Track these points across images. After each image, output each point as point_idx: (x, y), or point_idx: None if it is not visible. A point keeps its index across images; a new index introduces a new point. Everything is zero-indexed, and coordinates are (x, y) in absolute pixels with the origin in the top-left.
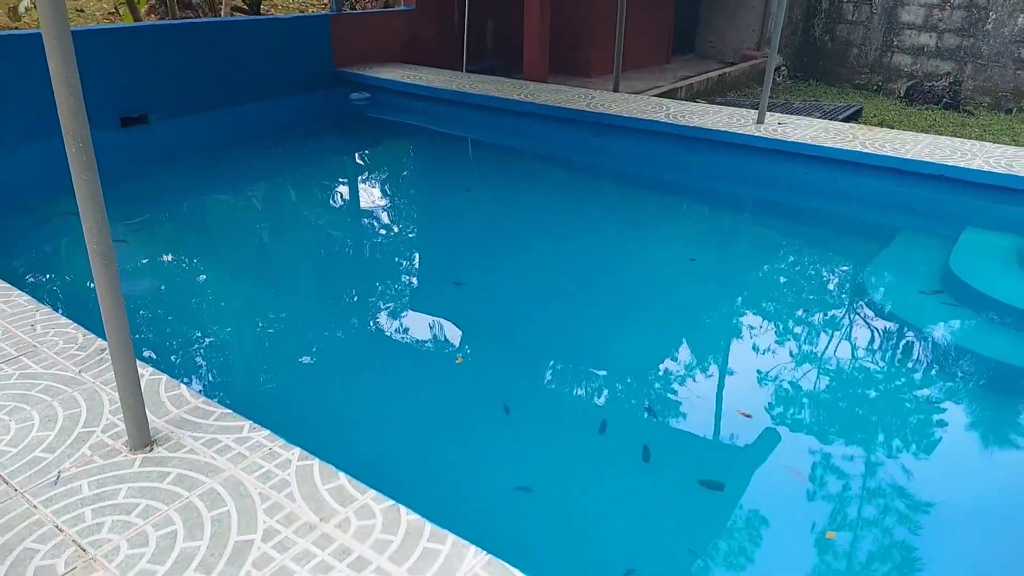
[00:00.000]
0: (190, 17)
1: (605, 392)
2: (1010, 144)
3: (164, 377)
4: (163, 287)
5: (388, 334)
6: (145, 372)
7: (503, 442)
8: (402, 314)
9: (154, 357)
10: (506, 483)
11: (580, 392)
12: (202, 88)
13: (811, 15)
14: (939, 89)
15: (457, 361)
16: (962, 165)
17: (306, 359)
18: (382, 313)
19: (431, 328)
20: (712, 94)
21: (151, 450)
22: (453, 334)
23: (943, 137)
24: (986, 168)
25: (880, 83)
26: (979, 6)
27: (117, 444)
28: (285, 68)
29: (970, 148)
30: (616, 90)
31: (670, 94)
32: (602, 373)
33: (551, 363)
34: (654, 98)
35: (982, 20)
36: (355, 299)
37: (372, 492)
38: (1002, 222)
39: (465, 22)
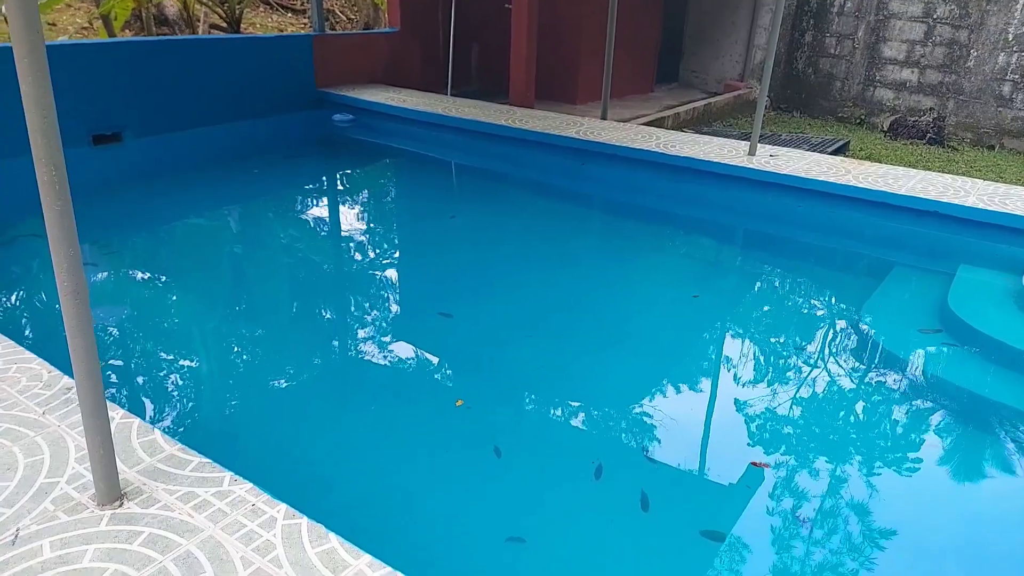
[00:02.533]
0: (167, 34)
1: (600, 434)
2: (998, 181)
3: (136, 421)
4: (134, 318)
5: (375, 372)
6: (116, 414)
7: (494, 488)
8: (389, 349)
9: (125, 397)
10: (498, 533)
11: (574, 434)
12: (179, 107)
13: (794, 48)
14: (923, 124)
15: (457, 404)
16: (956, 202)
17: (288, 400)
18: (369, 349)
19: (419, 364)
20: (698, 123)
21: (121, 505)
22: (443, 370)
23: (933, 173)
24: (980, 205)
25: (863, 116)
26: (960, 43)
27: (83, 498)
28: (266, 88)
29: (962, 185)
30: (604, 118)
31: (657, 123)
32: (596, 413)
33: (543, 401)
34: (643, 127)
35: (963, 57)
36: (341, 333)
37: (367, 557)
38: (997, 260)
39: (450, 45)
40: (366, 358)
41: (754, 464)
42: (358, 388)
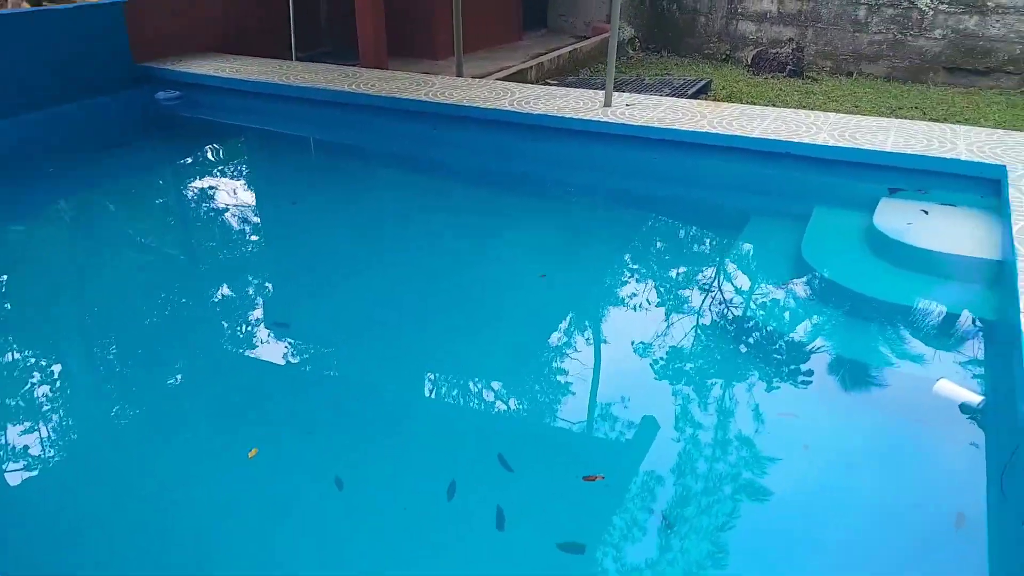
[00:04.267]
0: None
1: (454, 446)
2: (853, 112)
3: None
4: None
5: (196, 401)
6: None
7: (338, 525)
8: (217, 373)
9: None
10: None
11: (425, 450)
12: None
13: None
14: (783, 56)
15: (250, 455)
16: (808, 140)
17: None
18: (185, 380)
19: (251, 386)
20: (564, 72)
21: None
22: (277, 394)
23: (789, 110)
24: (831, 142)
25: (728, 52)
26: None
27: None
28: (71, 67)
29: (815, 120)
30: (459, 75)
31: (520, 75)
32: (449, 422)
33: (390, 419)
34: (499, 83)
35: None
36: (145, 369)
37: None
38: (851, 199)
39: (290, 3)
40: (182, 390)
41: (586, 479)
42: (181, 423)
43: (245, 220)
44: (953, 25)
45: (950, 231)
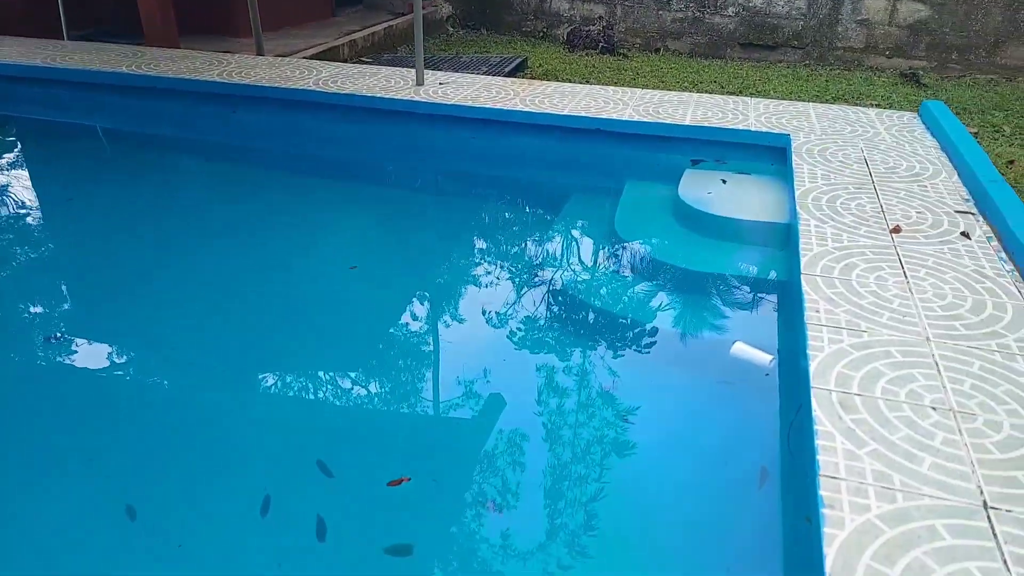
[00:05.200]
0: None
1: (265, 455)
2: (659, 87)
3: None
4: None
5: None
6: None
7: (136, 562)
8: None
9: None
10: None
11: (233, 463)
12: None
13: None
14: (595, 33)
15: None
16: (615, 116)
17: None
18: None
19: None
20: (380, 50)
21: None
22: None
23: (599, 87)
24: (636, 118)
25: (545, 30)
26: None
27: None
28: None
29: (622, 96)
30: (260, 53)
31: (331, 54)
32: (259, 430)
33: (187, 433)
34: (303, 61)
35: None
36: None
37: None
38: (658, 172)
39: None
40: None
41: (391, 484)
42: None
43: (10, 221)
44: (743, 3)
45: (745, 199)
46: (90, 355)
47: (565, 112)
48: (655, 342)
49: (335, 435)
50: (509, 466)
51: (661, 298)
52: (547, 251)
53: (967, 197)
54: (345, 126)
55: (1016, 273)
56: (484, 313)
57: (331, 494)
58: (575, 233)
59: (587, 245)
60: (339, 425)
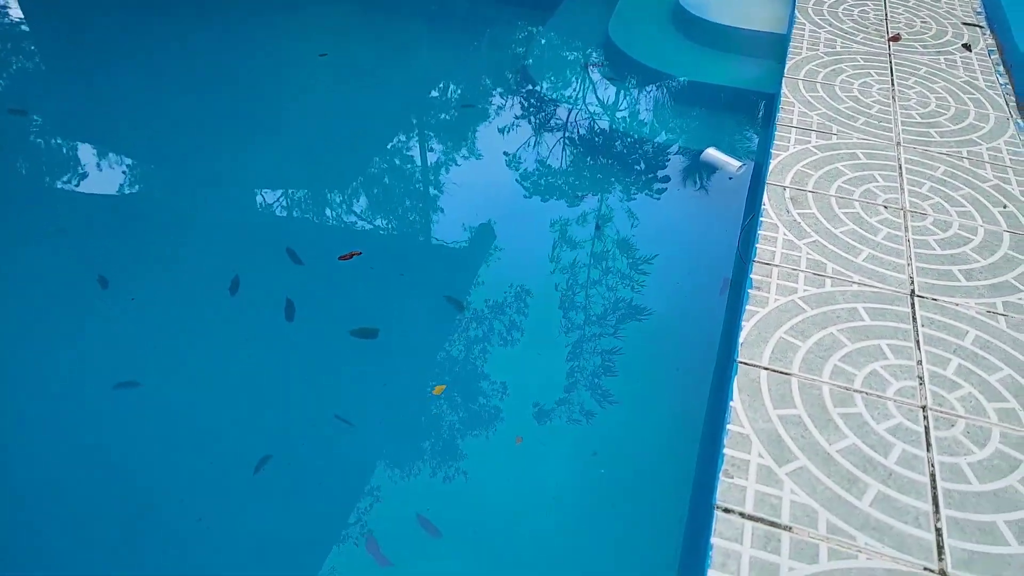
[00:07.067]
0: None
1: (233, 239)
2: None
3: None
4: None
5: None
6: None
7: (102, 329)
8: None
9: None
10: (107, 381)
11: (200, 247)
12: None
13: None
14: None
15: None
16: None
17: None
18: None
19: None
20: None
21: None
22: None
23: None
24: None
25: None
26: None
27: None
28: None
29: None
30: None
31: None
32: (233, 223)
33: (160, 215)
34: None
35: None
36: None
37: None
38: None
39: None
40: None
41: (342, 258)
42: None
43: None
44: None
45: (748, 7)
46: (65, 131)
47: None
48: (639, 151)
49: (304, 224)
50: (476, 259)
51: (649, 105)
52: (533, 54)
53: (979, 10)
54: None
55: (1009, 86)
56: (464, 110)
57: (298, 279)
58: (565, 39)
59: (576, 51)
60: (308, 216)
